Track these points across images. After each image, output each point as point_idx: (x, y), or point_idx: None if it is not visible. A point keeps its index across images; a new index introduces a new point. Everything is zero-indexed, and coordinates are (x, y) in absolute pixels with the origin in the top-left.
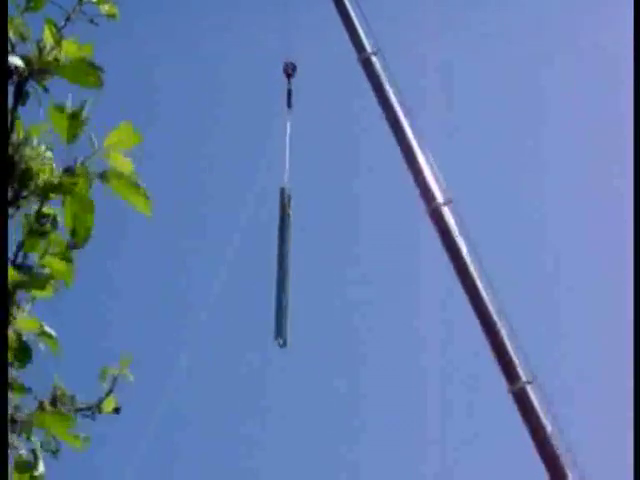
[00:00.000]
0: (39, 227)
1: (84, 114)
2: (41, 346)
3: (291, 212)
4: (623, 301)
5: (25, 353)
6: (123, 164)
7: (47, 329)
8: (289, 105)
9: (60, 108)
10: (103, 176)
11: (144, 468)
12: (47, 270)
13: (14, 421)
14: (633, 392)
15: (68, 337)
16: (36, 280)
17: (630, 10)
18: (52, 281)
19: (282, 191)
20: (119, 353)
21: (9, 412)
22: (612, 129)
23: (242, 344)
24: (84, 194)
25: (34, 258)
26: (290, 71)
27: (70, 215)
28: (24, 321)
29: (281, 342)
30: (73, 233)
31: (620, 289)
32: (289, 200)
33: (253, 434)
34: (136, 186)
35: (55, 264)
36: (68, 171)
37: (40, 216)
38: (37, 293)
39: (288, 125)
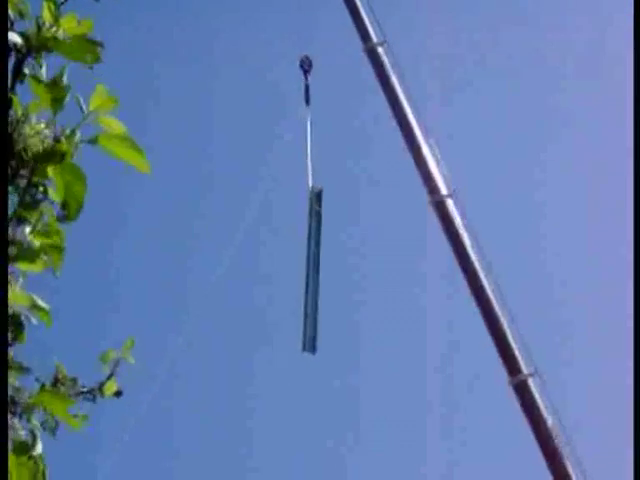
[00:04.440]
0: (29, 199)
1: (64, 81)
2: (34, 320)
3: (321, 210)
4: (626, 292)
5: (18, 327)
6: (115, 126)
7: (39, 302)
8: (307, 102)
9: (37, 78)
10: (95, 140)
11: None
12: (37, 243)
13: (15, 403)
14: (633, 387)
15: (67, 322)
16: (26, 253)
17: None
18: (43, 255)
19: (312, 191)
20: (118, 337)
21: (10, 394)
22: (616, 121)
23: (241, 334)
24: (74, 163)
25: (25, 231)
26: (307, 66)
27: (61, 187)
28: (16, 295)
29: (309, 350)
30: (64, 205)
31: (623, 280)
32: (319, 197)
33: (251, 422)
34: (131, 144)
35: (46, 238)
36: (56, 140)
37: (30, 187)
38: (27, 267)
39: (308, 122)
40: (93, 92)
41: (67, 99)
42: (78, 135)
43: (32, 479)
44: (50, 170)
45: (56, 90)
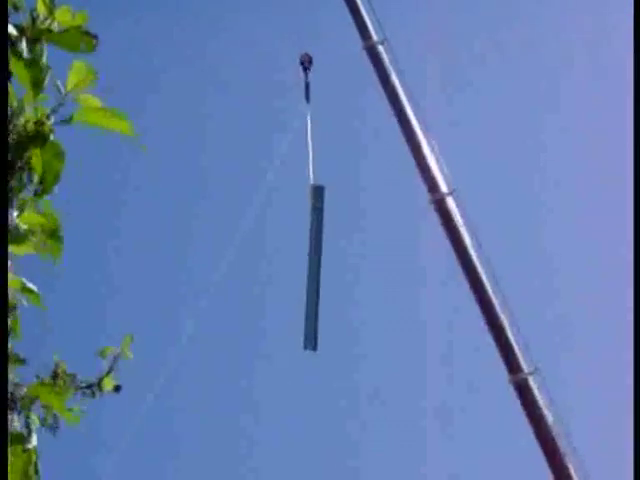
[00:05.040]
0: (15, 183)
1: (43, 61)
2: (24, 302)
3: (323, 208)
4: (627, 289)
5: (10, 312)
6: (93, 101)
7: (29, 285)
8: (307, 99)
9: (18, 53)
10: (75, 116)
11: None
12: (25, 226)
13: (13, 398)
14: (633, 385)
15: (67, 319)
16: (14, 236)
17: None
18: (32, 238)
19: (314, 188)
20: (115, 333)
21: (9, 389)
22: (616, 117)
23: (242, 329)
24: (54, 142)
25: (12, 215)
26: (307, 63)
27: (39, 163)
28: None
29: (310, 347)
30: (41, 180)
31: (624, 277)
32: (321, 194)
33: (252, 422)
34: (111, 112)
35: (33, 219)
36: (38, 123)
37: (16, 170)
38: (16, 249)
39: (308, 120)
40: (70, 67)
41: (47, 81)
42: (54, 118)
43: (25, 470)
44: (32, 154)
45: (35, 70)
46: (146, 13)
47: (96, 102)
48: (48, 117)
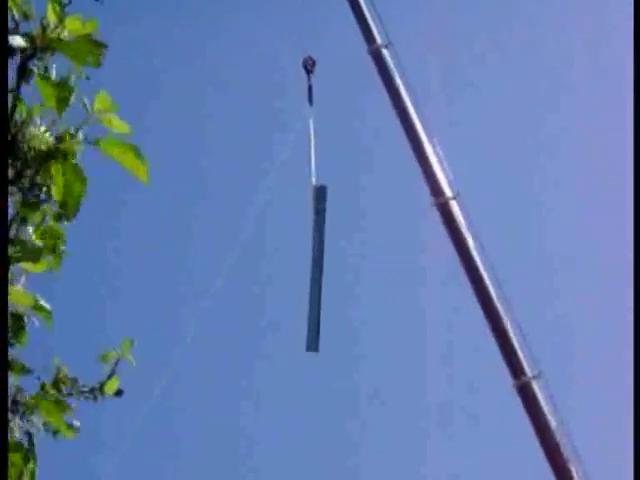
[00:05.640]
0: (32, 198)
1: (70, 82)
2: (35, 321)
3: (325, 209)
4: (631, 293)
5: (19, 328)
6: (120, 126)
7: (42, 303)
8: (310, 102)
9: (46, 77)
10: (97, 141)
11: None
12: (40, 243)
13: (16, 403)
14: (633, 388)
15: (68, 323)
16: (29, 253)
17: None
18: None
19: (316, 190)
20: (115, 334)
21: (12, 394)
22: (619, 120)
23: (242, 329)
24: (76, 163)
25: (28, 231)
26: (310, 66)
27: (60, 185)
28: (18, 295)
29: (313, 349)
30: (62, 205)
31: (628, 280)
32: (324, 195)
33: (252, 422)
34: (133, 151)
35: (48, 237)
36: (59, 139)
37: (33, 187)
38: (30, 267)
39: (311, 122)
40: (96, 96)
41: (72, 100)
42: (80, 135)
43: (18, 478)
44: (52, 169)
45: (63, 90)
46: (146, 13)
47: (124, 127)
48: (72, 135)
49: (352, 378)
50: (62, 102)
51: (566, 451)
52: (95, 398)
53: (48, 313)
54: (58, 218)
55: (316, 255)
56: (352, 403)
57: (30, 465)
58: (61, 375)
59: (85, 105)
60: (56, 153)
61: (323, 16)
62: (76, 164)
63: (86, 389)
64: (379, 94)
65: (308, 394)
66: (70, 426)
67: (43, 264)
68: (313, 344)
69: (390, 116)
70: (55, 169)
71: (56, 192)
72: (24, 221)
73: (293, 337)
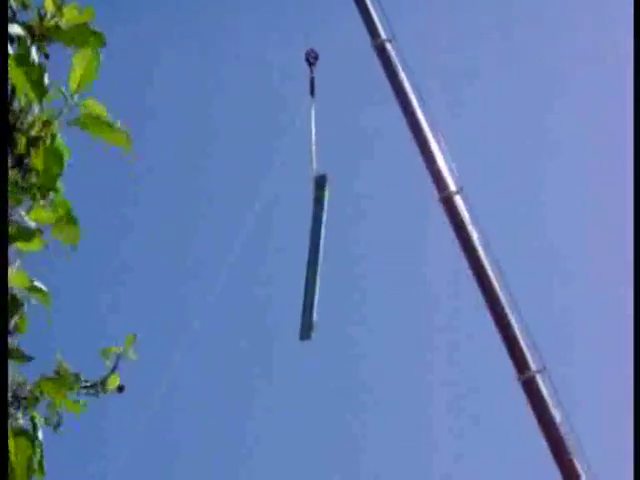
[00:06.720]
0: (23, 181)
1: (43, 65)
2: (33, 301)
3: (325, 199)
4: (631, 292)
5: (17, 309)
6: (97, 108)
7: (37, 284)
8: (312, 94)
9: (20, 59)
10: (77, 121)
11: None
12: (34, 224)
13: (16, 395)
14: (633, 386)
15: (70, 319)
16: (23, 233)
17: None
18: (40, 234)
19: (316, 179)
20: (117, 332)
21: (13, 388)
22: (621, 118)
23: (243, 329)
24: (55, 146)
25: (20, 212)
26: (312, 59)
27: (41, 164)
28: (14, 276)
29: (306, 338)
30: (41, 187)
31: (632, 275)
32: (324, 184)
33: (253, 422)
34: (112, 126)
35: (43, 215)
36: (45, 125)
37: (24, 170)
38: (25, 246)
39: (312, 114)
40: (69, 77)
41: (46, 82)
42: (60, 118)
43: (29, 464)
44: (33, 152)
45: (32, 71)
46: (146, 13)
47: (102, 110)
48: (48, 121)
49: (353, 377)
50: (36, 85)
51: (570, 445)
52: (97, 393)
53: (45, 294)
54: (35, 195)
55: (314, 241)
56: (352, 402)
57: (37, 456)
58: (62, 369)
59: (62, 90)
60: (43, 138)
61: (328, 10)
62: (53, 146)
63: (88, 384)
64: (383, 87)
65: (309, 394)
66: (76, 402)
67: (37, 243)
68: (306, 333)
69: (394, 110)
70: (37, 153)
71: (36, 172)
72: (17, 203)
73: (294, 336)
